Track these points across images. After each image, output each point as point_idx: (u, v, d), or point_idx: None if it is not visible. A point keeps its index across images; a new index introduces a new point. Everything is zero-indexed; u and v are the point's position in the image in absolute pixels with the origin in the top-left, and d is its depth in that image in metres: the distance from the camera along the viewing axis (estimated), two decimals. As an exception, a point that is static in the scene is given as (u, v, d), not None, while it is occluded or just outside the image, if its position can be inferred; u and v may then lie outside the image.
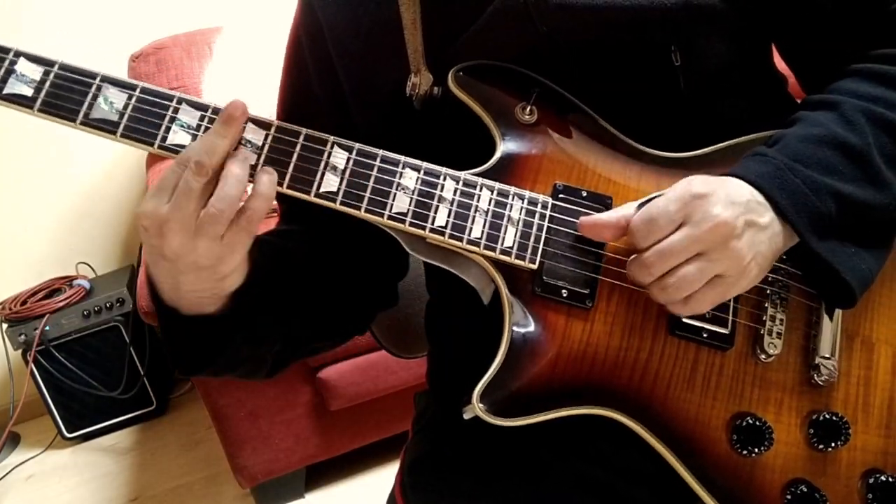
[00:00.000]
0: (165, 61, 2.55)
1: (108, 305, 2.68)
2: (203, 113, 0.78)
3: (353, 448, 2.26)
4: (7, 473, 2.76)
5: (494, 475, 0.95)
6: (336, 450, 2.24)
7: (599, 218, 0.80)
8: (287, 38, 1.03)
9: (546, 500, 0.92)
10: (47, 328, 2.61)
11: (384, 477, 2.30)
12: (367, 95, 0.94)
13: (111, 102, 0.76)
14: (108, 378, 2.74)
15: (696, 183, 0.75)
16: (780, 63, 0.99)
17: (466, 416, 0.79)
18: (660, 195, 0.77)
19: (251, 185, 0.76)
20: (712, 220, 0.73)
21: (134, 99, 0.77)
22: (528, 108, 0.86)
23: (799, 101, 0.93)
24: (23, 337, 2.59)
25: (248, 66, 2.56)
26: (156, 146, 0.77)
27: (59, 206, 2.94)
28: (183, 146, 0.77)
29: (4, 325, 2.63)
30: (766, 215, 0.77)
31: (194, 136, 0.77)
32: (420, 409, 1.15)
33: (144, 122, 0.77)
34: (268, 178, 0.76)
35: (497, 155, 0.84)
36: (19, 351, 2.62)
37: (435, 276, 1.09)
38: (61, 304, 2.66)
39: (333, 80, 0.96)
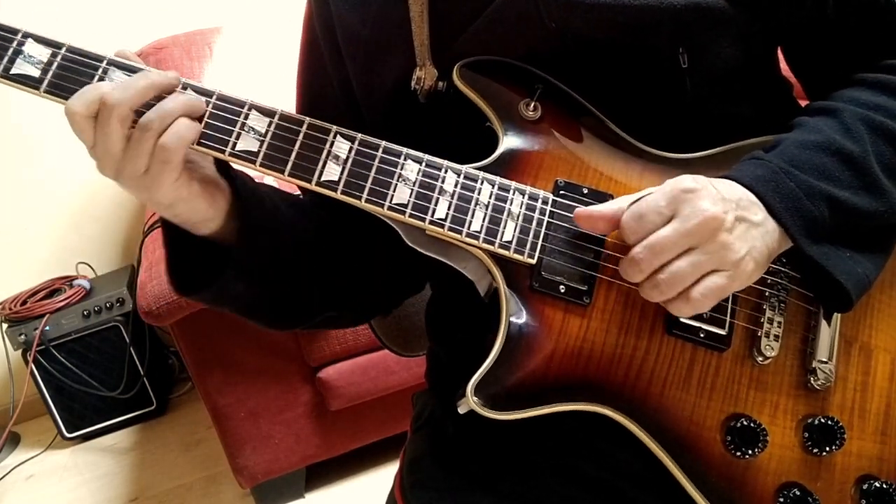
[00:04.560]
0: (165, 61, 2.55)
1: (108, 305, 2.68)
2: (208, 99, 0.79)
3: (353, 448, 2.26)
4: (7, 473, 2.76)
5: (493, 474, 0.96)
6: (336, 450, 2.24)
7: (595, 209, 0.79)
8: (294, 35, 1.03)
9: (545, 499, 0.92)
10: (47, 328, 2.61)
11: (384, 477, 2.30)
12: (371, 86, 0.95)
13: None
14: (108, 378, 2.75)
15: (686, 179, 0.75)
16: (785, 69, 0.99)
17: (461, 410, 0.79)
18: (651, 192, 0.77)
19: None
20: (701, 214, 0.72)
21: None
22: (532, 105, 0.86)
23: (802, 108, 0.94)
24: (23, 337, 2.59)
25: (247, 67, 2.56)
26: None
27: (59, 206, 2.94)
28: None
29: (4, 325, 2.63)
30: (759, 214, 0.77)
31: (198, 120, 0.78)
32: (418, 409, 1.15)
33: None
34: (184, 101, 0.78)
35: (499, 150, 0.85)
36: (19, 351, 2.62)
37: (435, 272, 1.09)
38: (61, 304, 2.66)
39: (345, 69, 0.96)
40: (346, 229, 0.99)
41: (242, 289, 0.89)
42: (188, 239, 0.86)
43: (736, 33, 0.87)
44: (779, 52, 0.98)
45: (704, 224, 0.72)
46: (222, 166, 0.85)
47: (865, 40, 0.90)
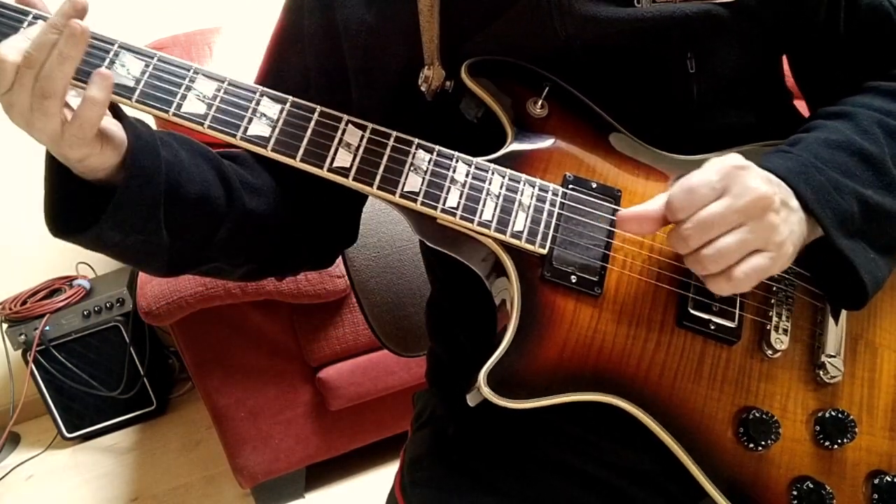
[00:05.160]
0: (166, 61, 2.55)
1: (108, 305, 2.68)
2: (220, 84, 0.80)
3: (353, 448, 2.26)
4: (7, 473, 2.75)
5: (494, 472, 0.96)
6: (336, 450, 2.23)
7: (640, 210, 0.77)
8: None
9: (546, 498, 0.92)
10: (47, 328, 2.60)
11: (384, 477, 2.30)
12: (372, 74, 0.94)
13: (127, 69, 0.78)
14: (108, 378, 2.74)
15: (736, 156, 0.74)
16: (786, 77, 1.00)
17: (471, 402, 0.80)
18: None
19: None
20: (753, 192, 0.72)
21: (151, 66, 0.78)
22: (540, 103, 0.86)
23: (803, 116, 0.95)
24: (23, 337, 2.58)
25: (248, 67, 2.56)
26: (170, 113, 0.78)
27: (59, 206, 2.93)
28: (197, 114, 0.78)
29: (4, 325, 2.63)
30: (795, 202, 0.77)
31: (209, 105, 0.79)
32: (419, 409, 1.16)
33: (161, 88, 0.78)
34: (101, 80, 0.73)
35: (508, 146, 0.85)
36: (19, 351, 2.62)
37: (437, 269, 1.09)
38: (61, 304, 2.65)
39: (335, 54, 0.94)
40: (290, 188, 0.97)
41: (119, 237, 0.82)
42: (71, 182, 0.79)
43: (743, 40, 0.88)
44: (782, 60, 0.99)
45: (755, 202, 0.72)
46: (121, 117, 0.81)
47: (874, 55, 0.91)
